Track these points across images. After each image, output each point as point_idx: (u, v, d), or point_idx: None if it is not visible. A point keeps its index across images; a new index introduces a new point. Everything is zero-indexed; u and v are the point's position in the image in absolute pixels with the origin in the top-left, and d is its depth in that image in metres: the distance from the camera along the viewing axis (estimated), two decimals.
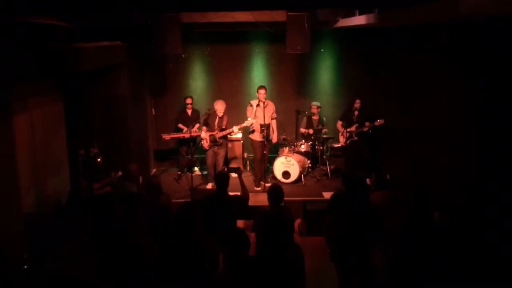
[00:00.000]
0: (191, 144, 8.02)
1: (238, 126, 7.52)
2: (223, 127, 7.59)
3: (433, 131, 6.18)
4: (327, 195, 7.56)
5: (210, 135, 7.61)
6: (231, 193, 4.99)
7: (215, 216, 4.78)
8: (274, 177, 8.15)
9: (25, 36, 4.37)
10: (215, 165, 7.84)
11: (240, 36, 8.80)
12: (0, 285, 3.91)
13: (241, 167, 8.61)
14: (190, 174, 7.78)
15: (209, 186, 7.89)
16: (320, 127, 8.31)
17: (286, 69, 9.09)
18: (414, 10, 4.18)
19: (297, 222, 6.90)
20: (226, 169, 8.13)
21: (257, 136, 7.80)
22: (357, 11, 6.17)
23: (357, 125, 7.83)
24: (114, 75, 7.11)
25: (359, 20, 6.03)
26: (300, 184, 8.05)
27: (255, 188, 7.82)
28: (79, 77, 6.36)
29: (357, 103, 7.81)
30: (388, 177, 7.73)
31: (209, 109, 7.76)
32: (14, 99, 4.93)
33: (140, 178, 6.21)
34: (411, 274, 4.02)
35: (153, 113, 9.17)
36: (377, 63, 8.62)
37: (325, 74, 9.18)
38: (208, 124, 7.71)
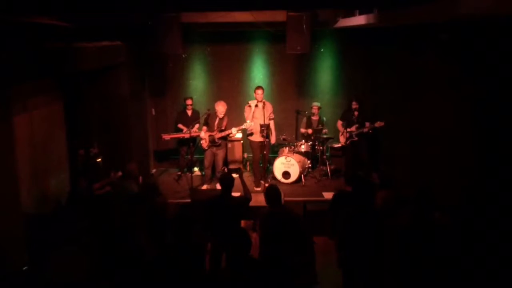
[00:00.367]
0: (191, 144, 8.02)
1: (237, 128, 7.51)
2: (223, 128, 7.58)
3: (433, 131, 6.18)
4: (327, 195, 7.56)
5: (209, 135, 7.60)
6: (234, 194, 4.99)
7: (220, 217, 4.77)
8: (274, 177, 8.15)
9: (25, 36, 4.37)
10: (213, 166, 7.84)
11: (240, 36, 8.80)
12: (0, 285, 3.91)
13: (241, 167, 8.61)
14: (190, 174, 7.78)
15: (205, 187, 7.87)
16: (320, 127, 8.31)
17: (286, 69, 9.08)
18: (414, 10, 4.18)
19: None
20: (226, 169, 8.14)
21: (255, 137, 7.79)
22: (357, 11, 6.17)
23: (357, 125, 7.82)
24: (114, 75, 7.10)
25: (359, 20, 6.03)
26: (300, 184, 8.05)
27: (255, 188, 7.82)
28: (79, 77, 6.36)
29: (354, 104, 7.80)
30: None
31: (209, 109, 7.76)
32: (14, 99, 4.93)
33: (140, 178, 6.21)
34: (411, 274, 4.01)
35: (153, 113, 9.16)
36: (377, 63, 8.62)
37: (325, 74, 9.17)
38: (208, 124, 7.70)
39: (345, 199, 4.79)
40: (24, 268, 4.29)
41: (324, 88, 9.18)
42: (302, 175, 8.12)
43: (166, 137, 7.97)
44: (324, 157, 8.53)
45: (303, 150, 8.36)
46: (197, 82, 9.19)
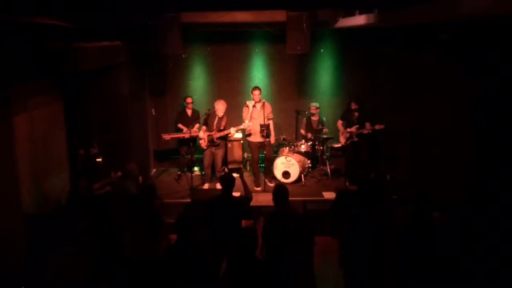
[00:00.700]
0: (191, 144, 8.02)
1: (236, 128, 7.50)
2: (222, 127, 7.57)
3: (433, 131, 6.18)
4: (327, 195, 7.56)
5: (208, 135, 7.60)
6: (234, 193, 4.99)
7: (221, 217, 4.76)
8: (274, 177, 8.14)
9: (25, 36, 4.37)
10: (212, 166, 7.84)
11: (240, 36, 8.80)
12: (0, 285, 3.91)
13: (241, 167, 8.60)
14: (190, 174, 7.78)
15: (206, 186, 7.88)
16: (320, 127, 8.31)
17: (286, 69, 9.08)
18: (414, 10, 4.18)
19: None
20: (226, 169, 8.14)
21: (253, 138, 7.79)
22: (357, 11, 6.17)
23: (357, 126, 7.82)
24: (114, 75, 7.10)
25: (359, 20, 6.03)
26: (300, 184, 8.04)
27: (255, 188, 7.82)
28: (79, 77, 6.36)
29: (354, 105, 7.80)
30: (388, 177, 7.75)
31: (209, 109, 7.76)
32: (14, 99, 4.93)
33: (140, 178, 6.21)
34: (411, 274, 4.01)
35: (153, 113, 9.16)
36: (377, 63, 8.61)
37: (325, 74, 9.17)
38: (207, 124, 7.70)
39: (348, 199, 4.78)
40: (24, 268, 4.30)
41: (324, 88, 9.18)
42: (302, 175, 8.12)
43: (166, 137, 7.97)
44: (324, 157, 8.53)
45: (303, 150, 8.36)
46: (197, 82, 9.19)
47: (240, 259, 3.42)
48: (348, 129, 7.87)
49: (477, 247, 4.37)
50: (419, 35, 6.35)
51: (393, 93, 7.90)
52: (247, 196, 4.99)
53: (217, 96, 8.64)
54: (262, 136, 7.55)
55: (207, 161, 7.79)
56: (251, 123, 7.59)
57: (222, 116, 7.60)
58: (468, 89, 5.22)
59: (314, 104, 8.44)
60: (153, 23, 6.82)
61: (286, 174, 8.05)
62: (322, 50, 9.03)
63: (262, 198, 7.36)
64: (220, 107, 7.55)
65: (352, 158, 7.96)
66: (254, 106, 7.69)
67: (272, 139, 7.90)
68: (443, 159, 5.83)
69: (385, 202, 5.38)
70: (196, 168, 8.78)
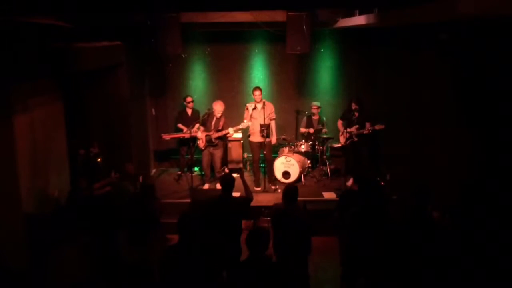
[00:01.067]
0: (191, 144, 8.02)
1: (234, 128, 7.50)
2: (220, 128, 7.57)
3: (433, 131, 6.18)
4: (327, 195, 7.57)
5: (206, 135, 7.60)
6: (234, 194, 4.98)
7: (221, 217, 4.76)
8: (276, 179, 8.13)
9: (25, 36, 4.37)
10: (211, 166, 7.83)
11: (240, 36, 8.80)
12: (0, 285, 3.91)
13: (241, 167, 8.60)
14: (190, 174, 7.78)
15: (206, 186, 7.88)
16: (320, 127, 8.31)
17: (286, 69, 9.08)
18: (414, 10, 4.18)
19: None
20: (227, 169, 8.14)
21: (254, 138, 7.79)
22: (357, 11, 6.17)
23: (357, 126, 7.82)
24: (114, 75, 7.10)
25: (359, 20, 6.02)
26: (300, 184, 8.03)
27: (255, 188, 7.82)
28: (79, 77, 6.36)
29: (353, 105, 7.80)
30: (388, 177, 7.75)
31: (209, 109, 7.76)
32: (14, 99, 4.92)
33: (140, 178, 6.21)
34: (411, 273, 4.01)
35: (153, 113, 9.16)
36: (377, 63, 8.62)
37: (325, 74, 9.17)
38: (205, 124, 7.70)
39: (352, 199, 4.79)
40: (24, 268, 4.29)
41: (324, 88, 9.18)
42: (302, 175, 8.12)
43: (166, 137, 7.97)
44: (324, 157, 8.53)
45: (303, 150, 8.36)
46: (197, 82, 9.19)
47: (252, 259, 3.43)
48: (348, 129, 7.86)
49: (477, 247, 4.37)
50: (419, 35, 6.35)
51: (393, 93, 7.90)
52: (247, 196, 4.98)
53: (217, 96, 8.65)
54: (262, 136, 7.55)
55: (205, 161, 7.79)
56: (249, 123, 7.59)
57: (220, 117, 7.59)
58: (468, 89, 5.22)
59: (316, 104, 8.44)
60: (153, 23, 6.82)
61: (286, 174, 8.05)
62: (322, 50, 9.03)
63: (262, 198, 7.37)
64: (218, 108, 7.55)
65: (352, 158, 7.96)
66: (254, 108, 7.67)
67: (274, 139, 7.88)
68: (443, 159, 5.83)
69: (385, 202, 5.37)
70: (196, 168, 8.78)
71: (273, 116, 7.82)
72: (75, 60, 5.37)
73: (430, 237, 3.99)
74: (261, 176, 7.97)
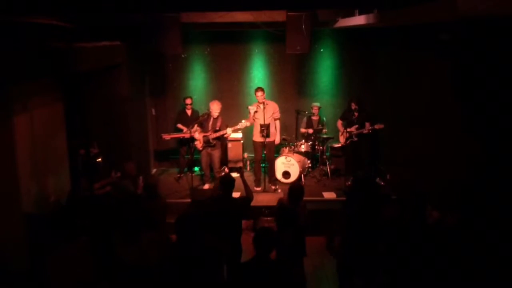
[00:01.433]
0: (191, 144, 8.02)
1: (232, 128, 7.49)
2: (217, 128, 7.56)
3: (433, 131, 6.18)
4: (327, 195, 7.57)
5: (203, 136, 7.59)
6: (234, 194, 4.98)
7: (221, 217, 4.76)
8: (277, 179, 8.13)
9: (25, 36, 4.37)
10: (210, 165, 7.83)
11: (240, 36, 8.80)
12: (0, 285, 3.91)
13: (241, 167, 8.60)
14: (190, 174, 7.78)
15: (206, 186, 7.88)
16: (320, 127, 8.31)
17: (286, 69, 9.08)
18: (414, 10, 4.18)
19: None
20: (226, 169, 8.13)
21: (256, 137, 7.78)
22: (357, 11, 6.17)
23: (357, 126, 7.82)
24: (114, 75, 7.10)
25: (359, 20, 6.03)
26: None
27: (255, 188, 7.81)
28: (79, 77, 6.36)
29: (353, 105, 7.80)
30: (388, 177, 7.75)
31: (208, 110, 7.75)
32: (14, 99, 4.93)
33: (141, 178, 6.20)
34: (411, 274, 4.01)
35: (153, 113, 9.17)
36: (377, 63, 8.62)
37: (325, 74, 9.17)
38: (202, 124, 7.69)
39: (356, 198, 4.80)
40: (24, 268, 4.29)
41: (324, 88, 9.18)
42: (302, 175, 8.12)
43: (166, 137, 7.97)
44: (324, 157, 8.53)
45: (303, 150, 8.36)
46: (197, 82, 9.19)
47: (257, 259, 3.44)
48: (348, 129, 7.87)
49: (477, 247, 4.36)
50: (419, 35, 6.35)
51: (393, 93, 7.90)
52: (247, 196, 4.98)
53: (217, 96, 8.66)
54: (262, 136, 7.54)
55: (204, 162, 7.79)
56: (248, 123, 7.58)
57: (217, 117, 7.58)
58: (468, 89, 5.22)
59: (316, 104, 8.45)
60: (153, 23, 6.81)
61: (286, 174, 8.05)
62: (322, 50, 9.04)
63: (262, 198, 7.37)
64: (215, 108, 7.53)
65: (352, 158, 7.97)
66: (256, 111, 7.63)
67: (278, 138, 7.83)
68: (443, 159, 5.83)
69: (383, 201, 5.38)
70: (196, 168, 8.78)
71: (278, 115, 7.74)
72: (75, 60, 5.37)
73: (428, 236, 4.00)
74: (262, 176, 7.96)
